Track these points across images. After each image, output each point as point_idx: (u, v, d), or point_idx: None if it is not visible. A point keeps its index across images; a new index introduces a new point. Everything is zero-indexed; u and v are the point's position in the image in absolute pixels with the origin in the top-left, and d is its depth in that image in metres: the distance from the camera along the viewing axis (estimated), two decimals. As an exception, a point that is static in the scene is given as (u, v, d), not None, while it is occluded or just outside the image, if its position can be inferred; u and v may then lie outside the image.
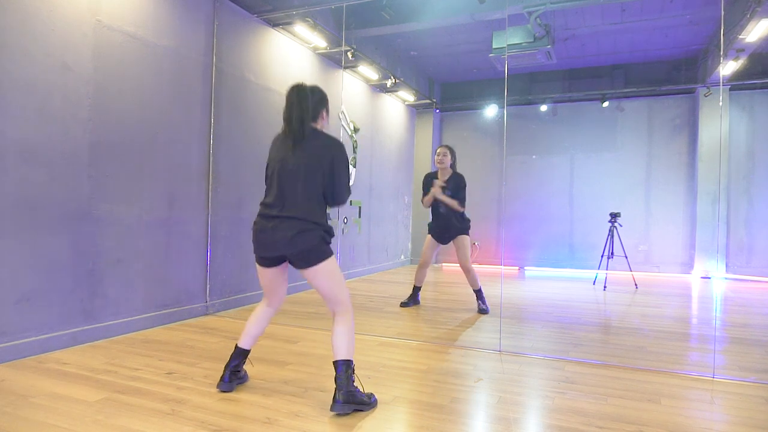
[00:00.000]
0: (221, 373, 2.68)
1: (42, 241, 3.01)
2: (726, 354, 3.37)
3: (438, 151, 4.64)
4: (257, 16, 4.79)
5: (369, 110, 7.09)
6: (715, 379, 2.85)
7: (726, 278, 6.96)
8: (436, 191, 4.52)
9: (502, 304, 4.89)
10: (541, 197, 7.91)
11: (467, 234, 4.59)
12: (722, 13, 4.46)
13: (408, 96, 7.82)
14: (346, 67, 6.29)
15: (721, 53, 5.87)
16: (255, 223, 2.38)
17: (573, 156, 7.84)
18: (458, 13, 5.28)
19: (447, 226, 4.59)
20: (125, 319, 3.55)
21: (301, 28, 5.09)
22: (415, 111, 8.59)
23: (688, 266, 7.25)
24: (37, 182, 2.98)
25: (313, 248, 2.25)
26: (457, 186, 4.55)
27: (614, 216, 6.41)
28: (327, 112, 2.47)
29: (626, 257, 6.32)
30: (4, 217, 2.82)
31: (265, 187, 2.43)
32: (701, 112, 7.13)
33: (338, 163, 2.32)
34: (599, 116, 7.69)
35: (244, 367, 2.61)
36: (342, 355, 2.26)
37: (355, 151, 6.66)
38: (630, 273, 6.47)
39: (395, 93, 7.61)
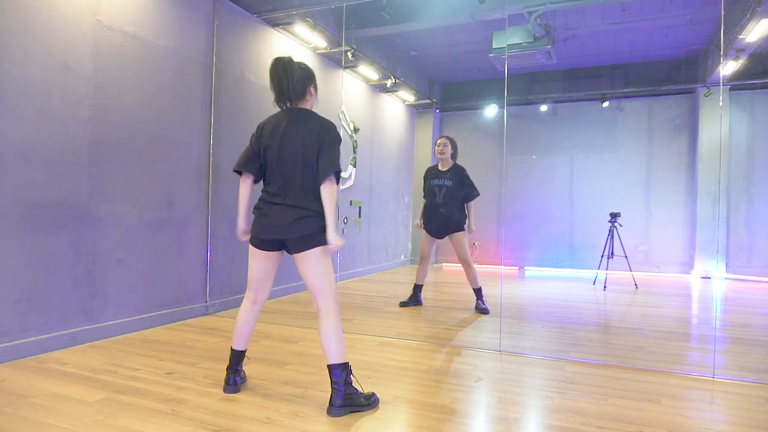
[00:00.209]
0: (222, 375, 2.69)
1: (42, 241, 3.01)
2: (726, 354, 3.37)
3: (438, 141, 4.68)
4: (257, 16, 4.79)
5: (369, 110, 7.09)
6: (715, 379, 2.85)
7: (726, 278, 6.96)
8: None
9: (502, 304, 4.89)
10: (541, 197, 7.91)
11: (463, 230, 4.60)
12: (722, 13, 4.46)
13: (408, 96, 7.82)
14: (346, 67, 6.29)
15: (721, 53, 5.87)
16: (257, 208, 2.38)
17: (573, 156, 7.84)
18: (458, 13, 5.28)
19: (445, 224, 4.60)
20: (125, 319, 3.55)
21: (301, 28, 5.09)
22: (415, 111, 8.59)
23: (688, 266, 7.25)
24: (37, 182, 2.98)
25: (313, 233, 2.26)
26: (460, 178, 4.58)
27: (614, 216, 6.41)
28: (315, 88, 2.44)
29: (626, 257, 6.32)
30: (4, 217, 2.82)
31: (239, 163, 2.44)
32: (701, 112, 7.13)
33: (326, 140, 2.30)
34: (599, 116, 7.68)
35: (243, 366, 2.60)
36: (335, 359, 2.25)
37: (355, 151, 6.66)
38: (630, 273, 6.47)
39: (395, 93, 7.61)
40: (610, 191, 7.59)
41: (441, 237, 4.68)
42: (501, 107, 7.86)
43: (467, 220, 4.63)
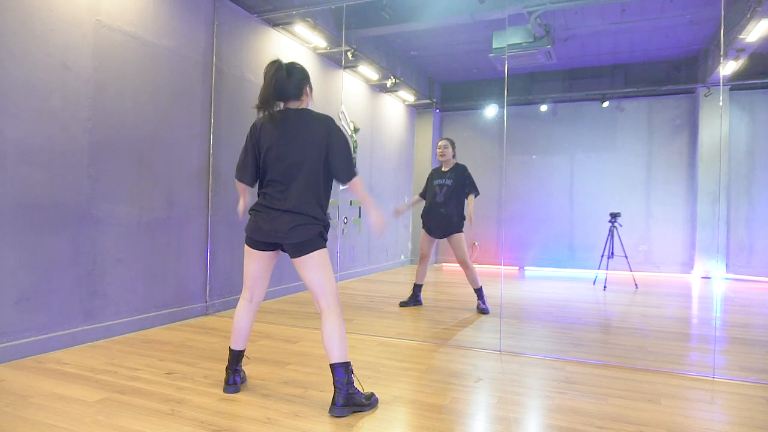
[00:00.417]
0: (222, 375, 2.68)
1: (42, 241, 3.01)
2: (726, 354, 3.37)
3: (439, 144, 4.79)
4: (257, 16, 4.79)
5: (369, 110, 7.09)
6: (715, 379, 2.85)
7: (726, 278, 6.96)
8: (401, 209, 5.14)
9: (502, 304, 4.89)
10: (541, 197, 7.91)
11: (461, 231, 4.62)
12: (722, 13, 4.46)
13: (408, 96, 7.82)
14: (346, 67, 6.29)
15: (721, 53, 5.87)
16: (255, 211, 2.37)
17: (573, 156, 7.84)
18: (458, 13, 5.28)
19: (445, 225, 4.61)
20: (125, 319, 3.55)
21: (301, 28, 5.09)
22: (415, 111, 8.59)
23: (688, 266, 7.25)
24: (36, 182, 2.98)
25: (310, 239, 2.27)
26: (461, 177, 4.64)
27: (614, 216, 6.41)
28: (310, 88, 2.44)
29: (626, 257, 6.32)
30: (4, 217, 2.82)
31: (240, 167, 2.44)
32: (701, 112, 7.13)
33: (335, 139, 2.31)
34: (599, 116, 7.68)
35: (243, 366, 2.60)
36: (337, 358, 2.25)
37: (355, 151, 6.66)
38: (630, 273, 6.47)
39: (395, 93, 7.61)
40: (610, 191, 7.59)
41: (439, 236, 4.71)
42: (501, 107, 7.86)
43: (466, 212, 4.64)
